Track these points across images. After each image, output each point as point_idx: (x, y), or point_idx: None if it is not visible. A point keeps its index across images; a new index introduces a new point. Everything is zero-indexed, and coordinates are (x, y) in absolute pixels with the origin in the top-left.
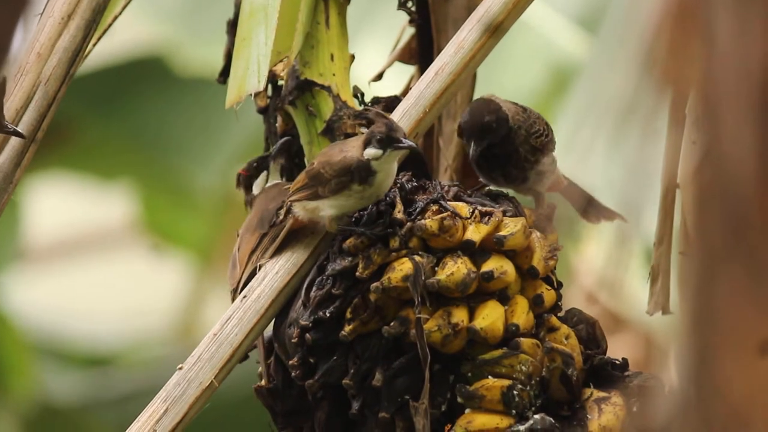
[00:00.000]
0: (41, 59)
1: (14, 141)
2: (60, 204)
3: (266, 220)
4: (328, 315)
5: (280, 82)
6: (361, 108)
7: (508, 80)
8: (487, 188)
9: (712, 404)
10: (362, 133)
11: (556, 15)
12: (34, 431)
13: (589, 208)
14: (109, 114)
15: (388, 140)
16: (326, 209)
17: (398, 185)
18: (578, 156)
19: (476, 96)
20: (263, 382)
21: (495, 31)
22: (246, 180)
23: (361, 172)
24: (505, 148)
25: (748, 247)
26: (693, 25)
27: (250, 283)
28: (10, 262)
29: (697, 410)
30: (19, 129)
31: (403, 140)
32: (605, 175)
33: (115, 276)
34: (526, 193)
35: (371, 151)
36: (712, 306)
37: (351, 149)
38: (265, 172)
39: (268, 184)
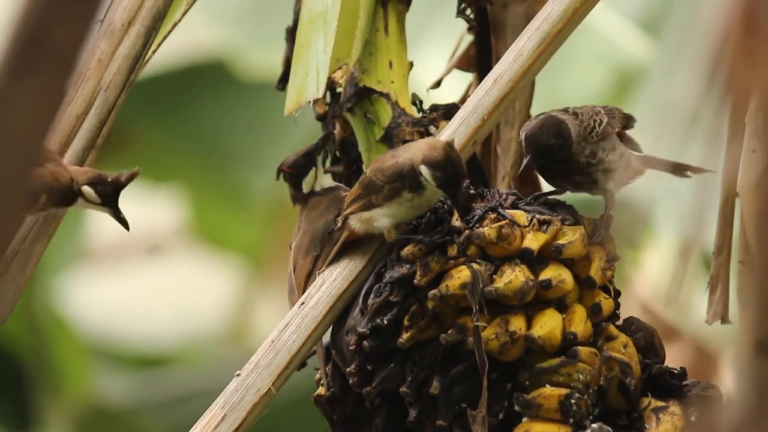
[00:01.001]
0: (102, 66)
1: (75, 146)
2: None
3: (317, 240)
4: (385, 322)
5: (339, 89)
6: (419, 115)
7: (572, 84)
8: (545, 197)
9: None
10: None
11: (619, 17)
12: None
13: (676, 168)
14: (168, 118)
15: (447, 184)
16: (381, 219)
17: None
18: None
19: (535, 103)
20: (322, 391)
21: (554, 38)
22: (293, 177)
23: (411, 180)
24: (565, 164)
25: None
26: (759, 32)
27: (308, 290)
28: (68, 266)
29: (763, 421)
30: (80, 134)
31: (458, 194)
32: (667, 181)
33: (168, 279)
34: (598, 193)
35: (427, 172)
36: None
37: (403, 155)
38: (313, 170)
39: (315, 195)
